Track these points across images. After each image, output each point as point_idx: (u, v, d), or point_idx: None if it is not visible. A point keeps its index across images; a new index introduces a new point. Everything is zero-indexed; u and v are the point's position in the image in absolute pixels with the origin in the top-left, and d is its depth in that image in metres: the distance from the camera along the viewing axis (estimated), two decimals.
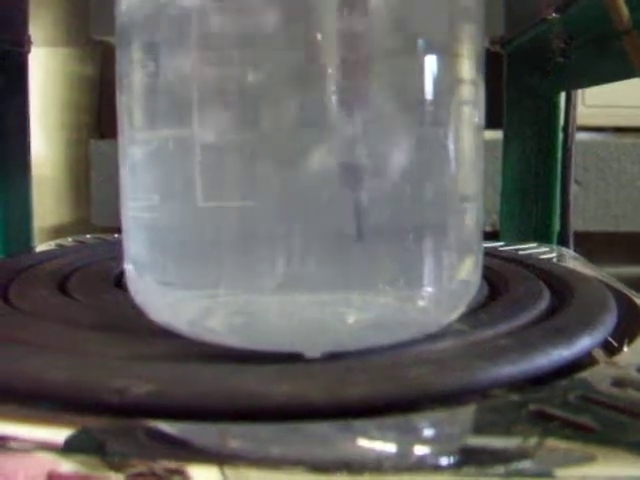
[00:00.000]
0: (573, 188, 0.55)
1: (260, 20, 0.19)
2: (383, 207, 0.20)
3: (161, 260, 0.21)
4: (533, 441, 0.16)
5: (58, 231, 0.74)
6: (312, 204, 0.20)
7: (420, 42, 0.20)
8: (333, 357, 0.19)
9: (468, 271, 0.22)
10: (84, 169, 0.82)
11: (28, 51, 0.53)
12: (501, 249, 0.44)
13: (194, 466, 0.15)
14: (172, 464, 0.15)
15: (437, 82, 0.20)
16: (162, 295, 0.21)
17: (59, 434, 0.16)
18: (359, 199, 0.19)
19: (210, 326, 0.21)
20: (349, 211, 0.19)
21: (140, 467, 0.15)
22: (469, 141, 0.22)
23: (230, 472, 0.15)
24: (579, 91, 0.56)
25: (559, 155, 0.54)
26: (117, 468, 0.15)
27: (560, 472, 0.15)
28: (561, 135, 0.54)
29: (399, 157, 0.20)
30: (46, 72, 0.74)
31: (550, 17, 0.39)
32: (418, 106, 0.20)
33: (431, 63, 0.20)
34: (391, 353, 0.20)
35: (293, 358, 0.19)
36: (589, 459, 0.15)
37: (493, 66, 0.49)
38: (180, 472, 0.15)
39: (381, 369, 0.18)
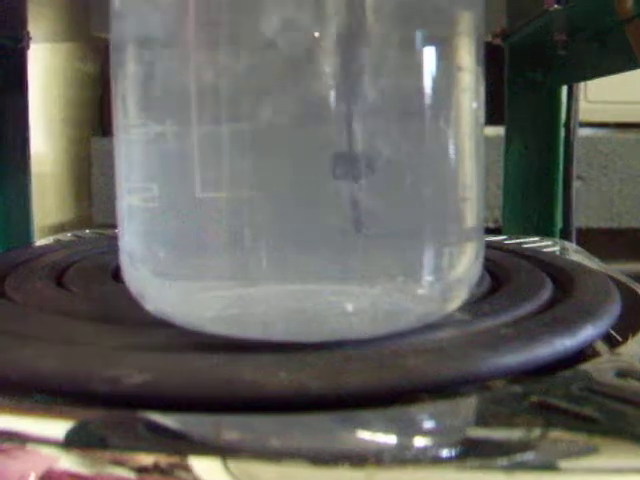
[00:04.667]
0: (576, 184, 0.55)
1: (256, 11, 0.19)
2: (382, 198, 0.20)
3: (156, 251, 0.21)
4: (536, 433, 0.16)
5: (60, 229, 0.74)
6: (310, 195, 0.19)
7: (419, 33, 0.20)
8: (332, 346, 0.19)
9: (468, 261, 0.21)
10: (86, 166, 0.82)
11: (27, 47, 0.53)
12: (504, 242, 0.44)
13: (197, 459, 0.15)
14: (176, 458, 0.14)
15: (436, 74, 0.20)
16: (158, 286, 0.21)
17: (57, 428, 0.16)
18: (357, 190, 0.19)
19: (206, 316, 0.20)
20: (347, 202, 0.19)
21: (144, 461, 0.15)
22: (469, 132, 0.21)
23: (233, 465, 0.14)
24: (581, 87, 0.56)
25: (561, 150, 0.54)
26: (121, 463, 0.14)
27: (564, 464, 0.15)
28: (563, 131, 0.54)
29: (398, 149, 0.20)
30: (47, 69, 0.74)
31: (552, 9, 0.39)
32: (417, 98, 0.20)
33: (430, 55, 0.20)
34: (390, 343, 0.20)
35: (291, 348, 0.19)
36: (593, 451, 0.15)
37: (495, 60, 0.48)
38: (184, 466, 0.14)
39: (380, 358, 0.18)
